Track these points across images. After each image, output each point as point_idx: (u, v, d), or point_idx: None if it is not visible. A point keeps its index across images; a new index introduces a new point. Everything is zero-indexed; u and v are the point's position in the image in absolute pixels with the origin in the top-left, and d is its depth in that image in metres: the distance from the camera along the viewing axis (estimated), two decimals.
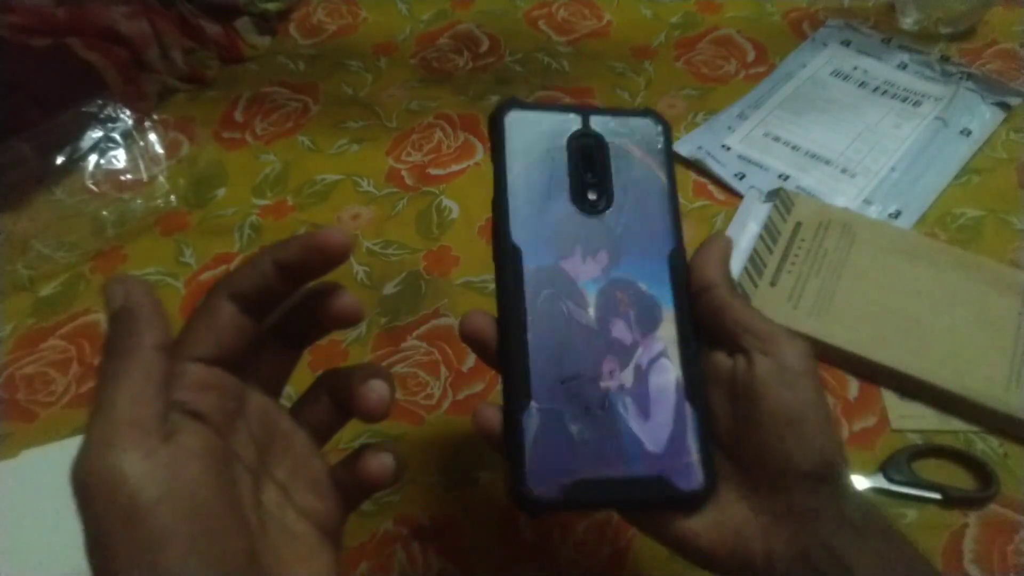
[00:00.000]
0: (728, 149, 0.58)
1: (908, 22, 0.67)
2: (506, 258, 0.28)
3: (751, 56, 0.66)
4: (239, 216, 0.55)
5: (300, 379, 0.30)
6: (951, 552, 0.38)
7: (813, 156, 0.57)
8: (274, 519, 0.25)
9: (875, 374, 0.44)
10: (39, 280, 0.51)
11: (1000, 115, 0.59)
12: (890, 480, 0.40)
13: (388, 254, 0.52)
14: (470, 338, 0.28)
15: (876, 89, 0.62)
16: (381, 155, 0.59)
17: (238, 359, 0.25)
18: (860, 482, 0.40)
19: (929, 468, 0.41)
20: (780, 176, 0.56)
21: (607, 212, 0.29)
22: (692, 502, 0.27)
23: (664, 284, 0.29)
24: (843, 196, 0.54)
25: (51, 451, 0.42)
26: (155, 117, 0.60)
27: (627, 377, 0.27)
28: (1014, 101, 0.59)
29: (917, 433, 0.43)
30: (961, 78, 0.62)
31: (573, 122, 0.30)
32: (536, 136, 0.29)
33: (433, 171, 0.58)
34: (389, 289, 0.50)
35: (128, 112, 0.58)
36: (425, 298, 0.50)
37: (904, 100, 0.61)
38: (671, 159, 0.31)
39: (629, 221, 0.29)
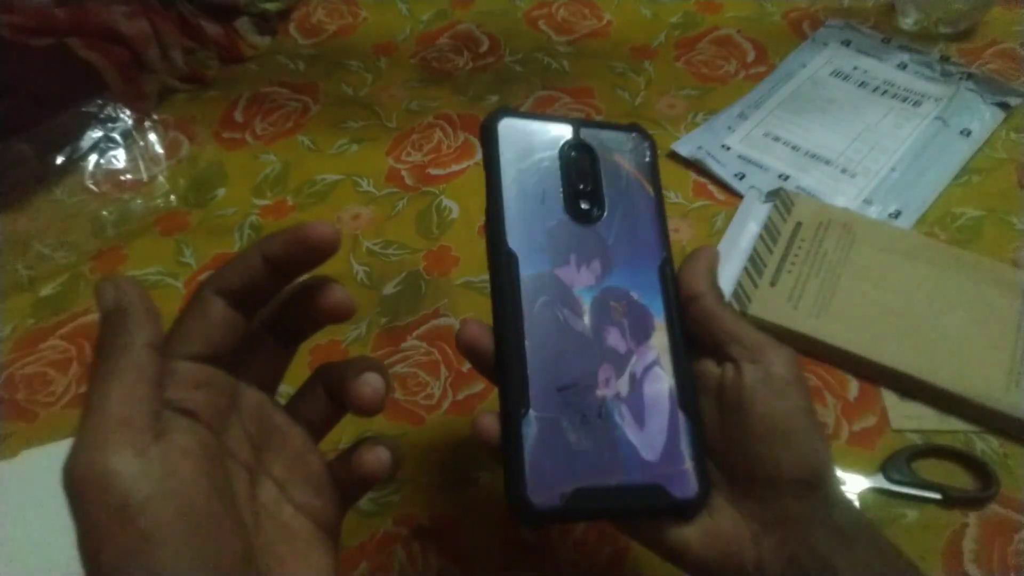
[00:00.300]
0: (728, 149, 0.58)
1: (908, 22, 0.67)
2: (502, 264, 0.27)
3: (751, 56, 0.66)
4: (239, 216, 0.55)
5: (300, 380, 0.30)
6: (951, 552, 0.38)
7: (813, 156, 0.57)
8: (271, 516, 0.25)
9: (875, 374, 0.44)
10: (39, 280, 0.51)
11: (1000, 115, 0.59)
12: (890, 480, 0.40)
13: (388, 254, 0.52)
14: (466, 348, 0.28)
15: (876, 89, 0.62)
16: (381, 155, 0.59)
17: (229, 355, 0.25)
18: (860, 482, 0.40)
19: (929, 468, 0.41)
20: (780, 176, 0.56)
21: (599, 222, 0.29)
22: (688, 510, 0.27)
23: (655, 294, 0.29)
24: (843, 196, 0.54)
25: (51, 451, 0.42)
26: (155, 117, 0.60)
27: (622, 385, 0.27)
28: (1014, 101, 0.59)
29: (917, 433, 0.43)
30: (961, 78, 0.62)
31: (564, 132, 0.30)
32: (529, 144, 0.29)
33: (433, 171, 0.58)
34: (389, 289, 0.50)
35: (128, 112, 0.58)
36: (425, 298, 0.50)
37: (904, 100, 0.61)
38: (657, 173, 0.31)
39: (620, 231, 0.29)
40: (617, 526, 0.30)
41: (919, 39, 0.66)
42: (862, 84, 0.63)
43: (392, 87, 0.65)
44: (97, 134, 0.57)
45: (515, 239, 0.28)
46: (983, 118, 0.59)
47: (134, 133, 0.58)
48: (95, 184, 0.55)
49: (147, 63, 0.62)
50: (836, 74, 0.64)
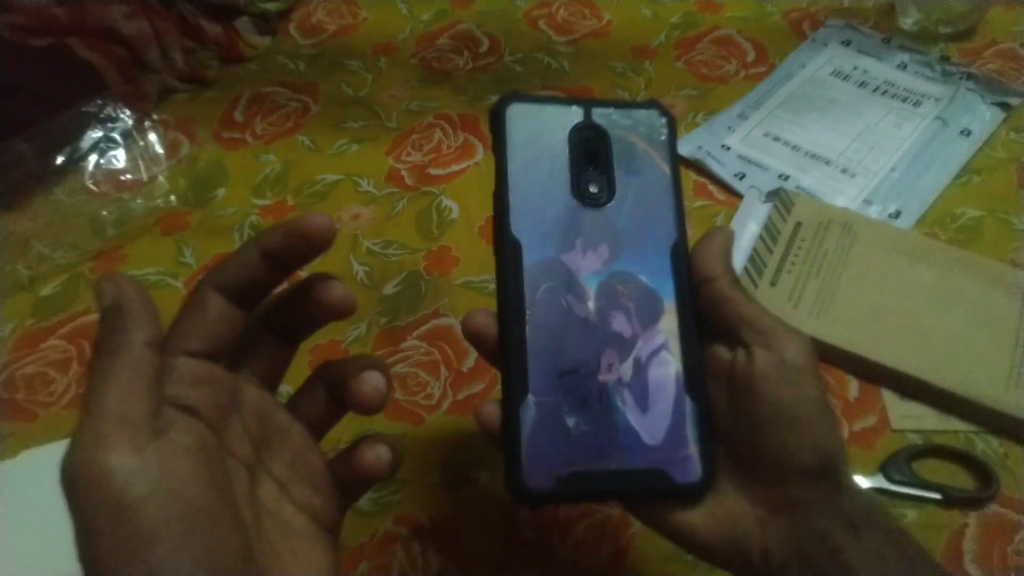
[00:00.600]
0: (728, 149, 0.58)
1: (908, 22, 0.67)
2: (506, 252, 0.28)
3: (751, 56, 0.66)
4: (239, 216, 0.55)
5: (300, 380, 0.30)
6: (951, 552, 0.38)
7: (813, 156, 0.57)
8: (271, 514, 0.25)
9: (875, 374, 0.44)
10: (39, 280, 0.51)
11: (1000, 115, 0.59)
12: (890, 480, 0.40)
13: (388, 254, 0.52)
14: (472, 336, 0.28)
15: (876, 89, 0.62)
16: (381, 155, 0.59)
17: (229, 351, 0.25)
18: (860, 482, 0.40)
19: (929, 468, 0.41)
20: (780, 176, 0.56)
21: (609, 205, 0.29)
22: (689, 494, 0.27)
23: (666, 277, 0.29)
24: (843, 196, 0.54)
25: (51, 451, 0.42)
26: (155, 117, 0.60)
27: (626, 370, 0.27)
28: (1014, 101, 0.59)
29: (917, 433, 0.43)
30: (961, 78, 0.62)
31: (575, 114, 0.29)
32: (537, 129, 0.29)
33: (433, 171, 0.58)
34: (389, 289, 0.50)
35: (128, 112, 0.58)
36: (425, 298, 0.50)
37: (904, 100, 0.61)
38: (675, 151, 0.30)
39: (631, 214, 0.29)
40: (626, 508, 0.30)
41: (919, 39, 0.66)
42: (862, 84, 0.63)
43: (392, 87, 0.65)
44: (97, 134, 0.57)
45: (520, 226, 0.28)
46: (983, 118, 0.59)
47: (134, 133, 0.58)
48: (95, 184, 0.55)
49: (147, 63, 0.62)
50: (836, 74, 0.64)
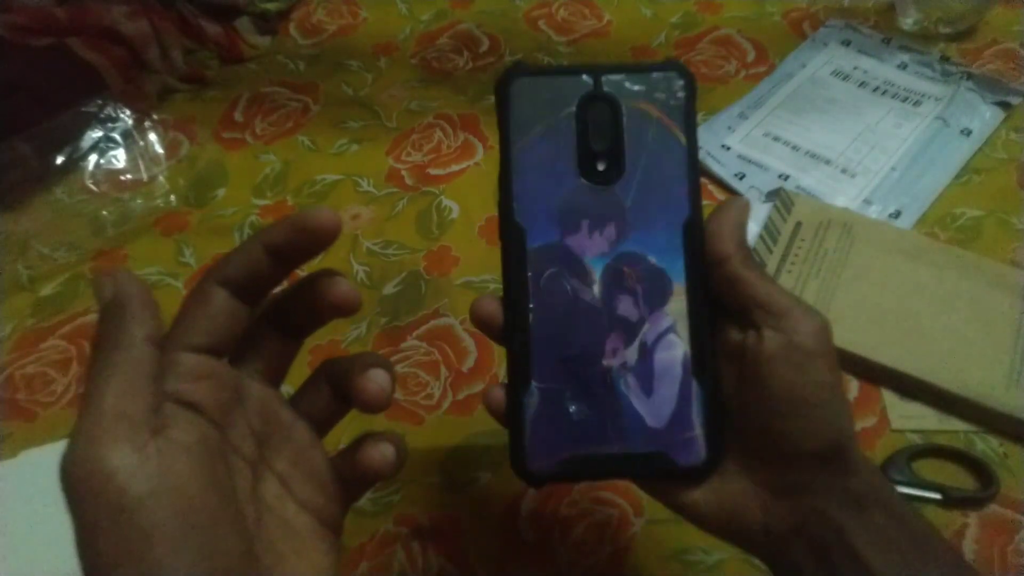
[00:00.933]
0: (728, 149, 0.58)
1: (908, 22, 0.67)
2: (510, 238, 0.27)
3: (751, 56, 0.66)
4: (239, 216, 0.55)
5: (300, 380, 0.30)
6: None
7: (813, 156, 0.57)
8: (273, 512, 0.25)
9: (875, 374, 0.44)
10: (39, 280, 0.51)
11: (1000, 115, 0.59)
12: (890, 480, 0.40)
13: (388, 254, 0.52)
14: (480, 322, 0.28)
15: (876, 89, 0.62)
16: (381, 155, 0.59)
17: (232, 347, 0.25)
18: None
19: (929, 468, 0.41)
20: (780, 176, 0.56)
21: (618, 182, 0.28)
22: (692, 476, 0.27)
23: (676, 256, 0.27)
24: (843, 196, 0.54)
25: (51, 451, 0.42)
26: (155, 117, 0.60)
27: (631, 354, 0.27)
28: (1014, 101, 0.59)
29: (917, 433, 0.43)
30: (961, 78, 0.62)
31: (584, 85, 0.28)
32: (543, 103, 0.28)
33: (433, 171, 0.58)
34: (389, 289, 0.50)
35: (128, 112, 0.58)
36: (425, 298, 0.50)
37: (904, 100, 0.61)
38: (693, 118, 0.28)
39: (641, 190, 0.28)
40: (635, 483, 0.31)
41: (919, 39, 0.66)
42: (862, 84, 0.63)
43: (392, 87, 0.65)
44: (97, 134, 0.57)
45: (524, 210, 0.27)
46: (983, 118, 0.59)
47: (134, 133, 0.58)
48: (95, 184, 0.55)
49: (147, 63, 0.62)
50: (836, 74, 0.64)
